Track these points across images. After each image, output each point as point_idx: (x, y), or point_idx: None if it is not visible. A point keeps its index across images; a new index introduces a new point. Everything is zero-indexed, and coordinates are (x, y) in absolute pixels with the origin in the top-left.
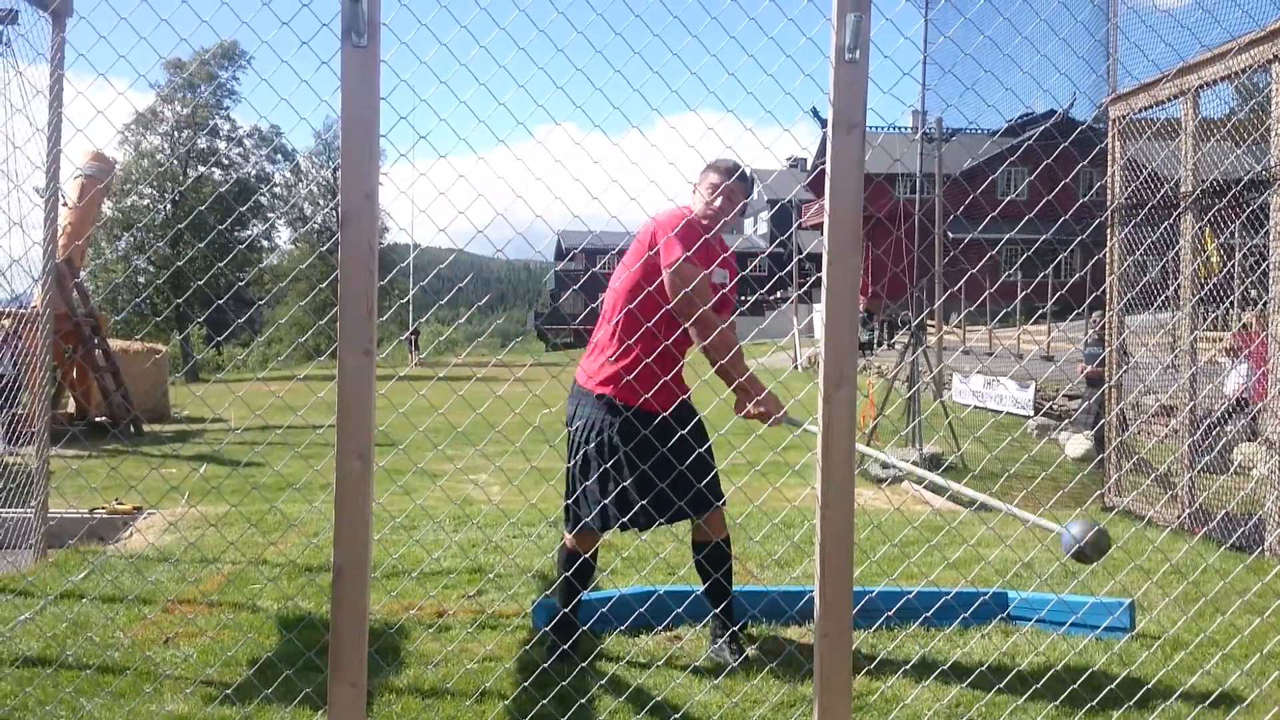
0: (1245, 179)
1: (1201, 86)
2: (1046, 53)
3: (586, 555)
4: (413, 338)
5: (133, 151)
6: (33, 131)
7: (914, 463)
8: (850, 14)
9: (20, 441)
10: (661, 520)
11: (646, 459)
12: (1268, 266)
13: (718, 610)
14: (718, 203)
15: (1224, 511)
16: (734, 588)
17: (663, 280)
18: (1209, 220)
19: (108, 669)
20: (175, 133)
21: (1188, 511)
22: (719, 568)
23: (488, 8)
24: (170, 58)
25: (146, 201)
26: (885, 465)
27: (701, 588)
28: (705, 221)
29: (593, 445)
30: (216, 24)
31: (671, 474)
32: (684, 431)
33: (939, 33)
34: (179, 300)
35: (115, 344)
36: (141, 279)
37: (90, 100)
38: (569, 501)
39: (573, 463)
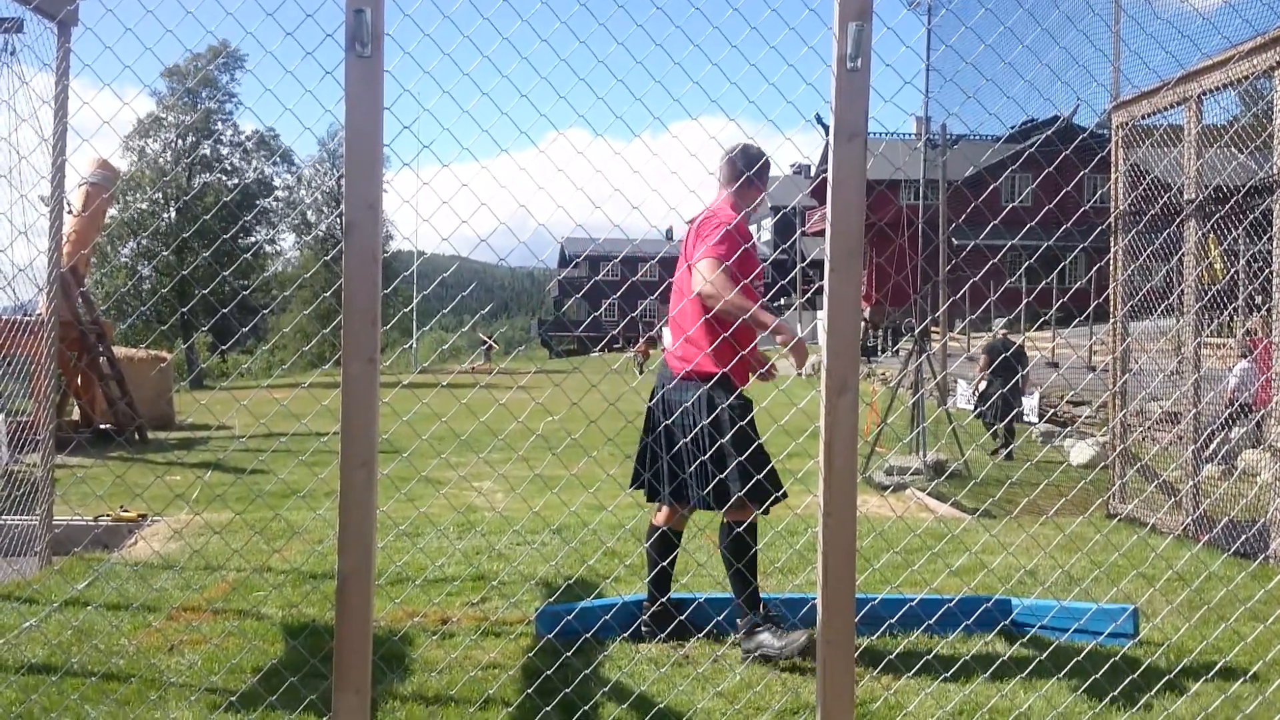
0: (1249, 185)
1: (1204, 94)
2: (1048, 61)
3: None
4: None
5: (137, 159)
6: (39, 141)
7: (917, 470)
8: (852, 23)
9: (25, 449)
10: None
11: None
12: (1271, 273)
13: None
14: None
15: (1227, 518)
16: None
17: (703, 271)
18: (1212, 226)
19: (112, 676)
20: (179, 139)
21: (1191, 518)
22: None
23: (491, 18)
24: (169, 65)
25: (151, 208)
26: (889, 473)
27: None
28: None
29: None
30: (221, 33)
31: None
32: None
33: (941, 41)
34: (183, 309)
35: (120, 351)
36: (147, 285)
37: (95, 110)
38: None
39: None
